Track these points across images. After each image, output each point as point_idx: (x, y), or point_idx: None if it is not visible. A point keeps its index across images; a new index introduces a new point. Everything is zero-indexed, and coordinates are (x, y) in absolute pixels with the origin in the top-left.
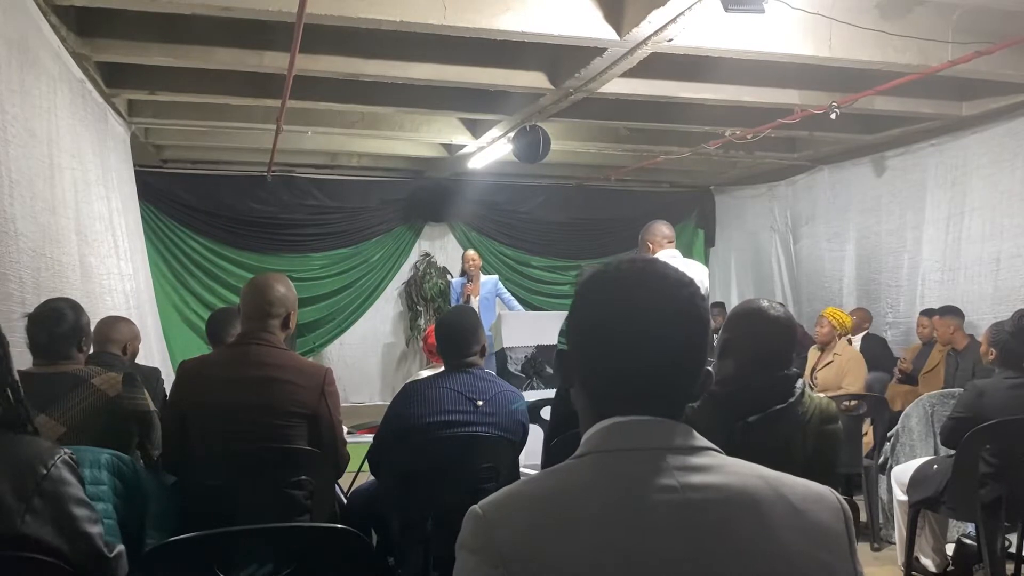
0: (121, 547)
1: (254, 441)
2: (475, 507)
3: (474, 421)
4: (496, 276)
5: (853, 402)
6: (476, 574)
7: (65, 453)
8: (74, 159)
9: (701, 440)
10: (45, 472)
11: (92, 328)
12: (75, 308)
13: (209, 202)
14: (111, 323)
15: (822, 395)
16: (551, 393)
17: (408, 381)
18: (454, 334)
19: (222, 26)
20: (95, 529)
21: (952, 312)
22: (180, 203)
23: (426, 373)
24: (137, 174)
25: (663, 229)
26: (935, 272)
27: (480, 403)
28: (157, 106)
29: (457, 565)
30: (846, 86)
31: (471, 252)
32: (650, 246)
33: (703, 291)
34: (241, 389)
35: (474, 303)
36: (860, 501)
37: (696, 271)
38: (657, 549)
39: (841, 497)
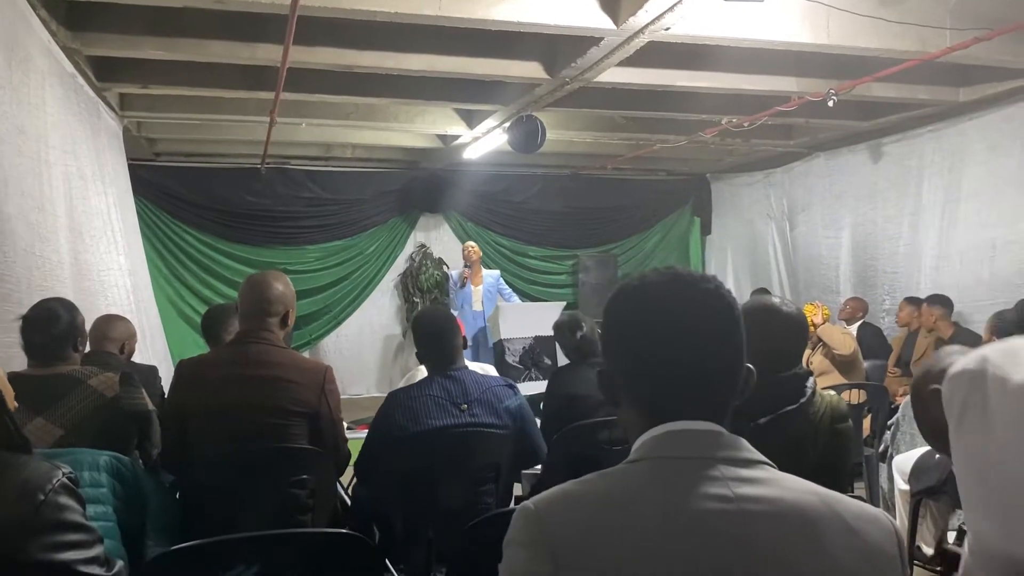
0: (121, 563)
1: (255, 441)
2: (527, 503)
3: (461, 424)
4: (498, 271)
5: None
6: (527, 569)
7: (63, 475)
8: (67, 155)
9: (755, 453)
10: (43, 498)
11: (89, 326)
12: (69, 308)
13: (203, 195)
14: (108, 321)
15: (832, 393)
16: None
17: (391, 391)
18: (436, 338)
19: (215, 18)
20: (94, 552)
21: (938, 301)
22: (174, 197)
23: (424, 369)
24: (130, 168)
25: None
26: (931, 258)
27: (464, 407)
28: (150, 100)
29: (505, 561)
30: (843, 73)
31: (468, 243)
32: None
33: None
34: (241, 388)
35: (476, 293)
36: (860, 490)
37: None
38: (709, 558)
39: (895, 521)
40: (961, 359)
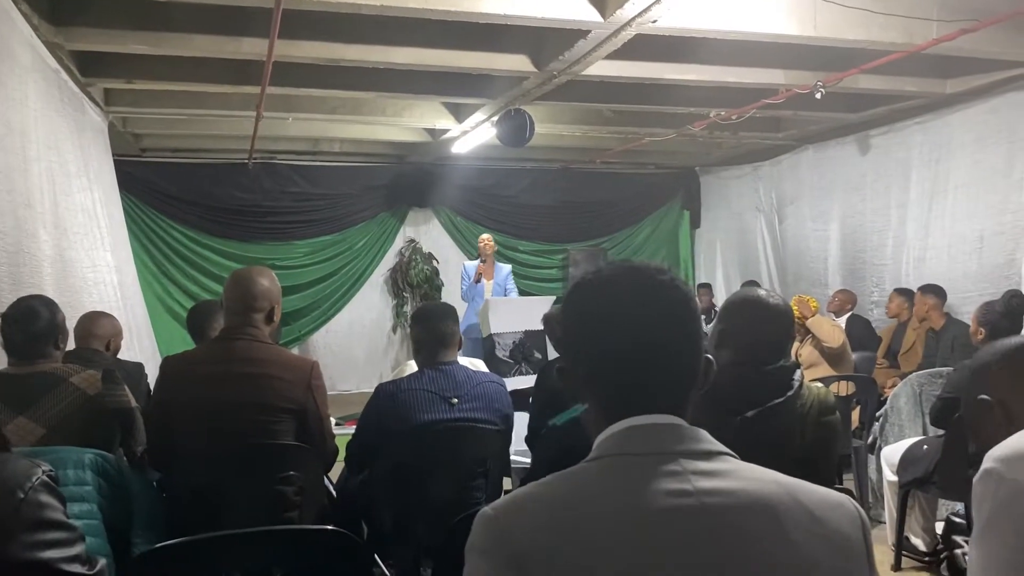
0: (103, 561)
1: (241, 438)
2: (487, 509)
3: (451, 419)
4: (510, 266)
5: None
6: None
7: (43, 472)
8: (51, 150)
9: (716, 444)
10: (23, 496)
11: (75, 323)
12: (49, 305)
13: (190, 191)
14: (94, 318)
15: (819, 385)
16: None
17: (381, 383)
18: (435, 319)
19: (199, 13)
20: (75, 550)
21: (932, 291)
22: (161, 192)
23: (414, 364)
24: (116, 164)
25: None
26: (919, 250)
27: (455, 400)
28: (135, 95)
29: (468, 568)
30: (831, 65)
31: (485, 235)
32: None
33: None
34: (227, 385)
35: (487, 286)
36: (849, 482)
37: None
38: (673, 554)
39: (859, 505)
40: (994, 451)
